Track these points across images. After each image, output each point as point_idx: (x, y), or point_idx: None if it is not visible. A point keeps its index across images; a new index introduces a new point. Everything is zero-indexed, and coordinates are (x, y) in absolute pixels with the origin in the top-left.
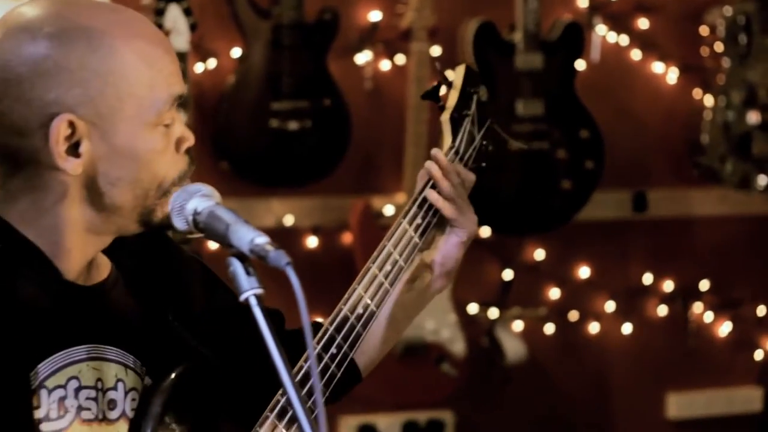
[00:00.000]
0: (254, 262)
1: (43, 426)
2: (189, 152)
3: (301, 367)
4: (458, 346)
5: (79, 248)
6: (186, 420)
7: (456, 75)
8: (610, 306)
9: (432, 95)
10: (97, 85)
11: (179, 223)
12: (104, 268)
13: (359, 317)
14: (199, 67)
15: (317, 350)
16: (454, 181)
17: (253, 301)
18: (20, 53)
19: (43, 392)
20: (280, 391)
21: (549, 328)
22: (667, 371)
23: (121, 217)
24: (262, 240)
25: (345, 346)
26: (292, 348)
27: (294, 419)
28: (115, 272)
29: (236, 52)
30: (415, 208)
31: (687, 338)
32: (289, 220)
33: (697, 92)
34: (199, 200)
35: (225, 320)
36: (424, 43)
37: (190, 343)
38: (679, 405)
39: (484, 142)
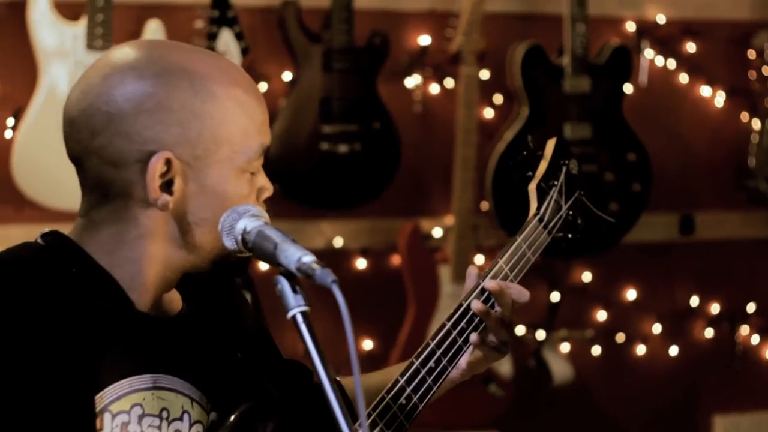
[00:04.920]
0: (304, 283)
1: None
2: (266, 203)
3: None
4: (506, 368)
5: (153, 282)
6: None
7: (547, 147)
8: (656, 328)
9: (521, 164)
10: (196, 126)
11: (228, 243)
12: (176, 302)
13: (431, 371)
14: None
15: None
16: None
17: (299, 318)
18: (125, 89)
19: (107, 416)
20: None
21: (596, 350)
22: (714, 394)
23: (199, 257)
24: (309, 258)
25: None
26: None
27: None
28: (186, 307)
29: (287, 76)
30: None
31: (733, 361)
32: (338, 242)
33: (744, 116)
34: (248, 220)
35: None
36: (473, 67)
37: (257, 381)
38: (725, 428)
39: (571, 212)
